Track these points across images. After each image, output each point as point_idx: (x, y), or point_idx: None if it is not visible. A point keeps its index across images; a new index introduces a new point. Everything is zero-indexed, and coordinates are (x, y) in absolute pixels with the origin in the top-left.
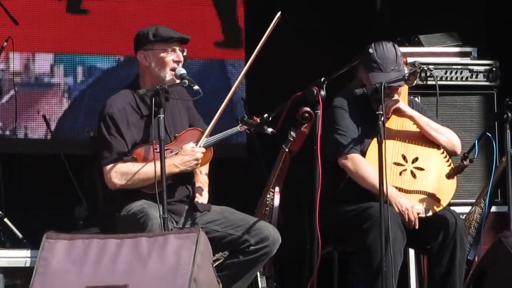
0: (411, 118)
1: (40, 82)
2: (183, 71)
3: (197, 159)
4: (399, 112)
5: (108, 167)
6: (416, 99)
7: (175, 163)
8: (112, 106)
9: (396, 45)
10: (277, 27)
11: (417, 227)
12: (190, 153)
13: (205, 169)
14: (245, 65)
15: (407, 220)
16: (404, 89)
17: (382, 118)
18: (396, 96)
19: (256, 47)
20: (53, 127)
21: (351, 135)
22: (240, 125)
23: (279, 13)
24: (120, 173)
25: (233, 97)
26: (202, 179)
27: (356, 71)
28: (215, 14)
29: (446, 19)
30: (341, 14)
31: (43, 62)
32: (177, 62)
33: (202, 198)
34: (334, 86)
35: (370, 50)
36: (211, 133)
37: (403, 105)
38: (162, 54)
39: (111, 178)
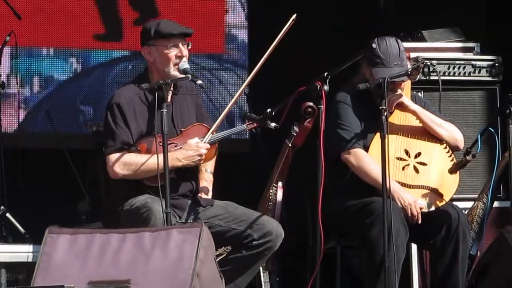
0: (414, 112)
1: None
2: (186, 65)
3: (200, 155)
4: (402, 107)
5: (111, 156)
6: (419, 94)
7: (178, 157)
8: (120, 96)
9: (399, 40)
10: (279, 23)
11: (420, 221)
12: (194, 148)
13: (210, 167)
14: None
15: (409, 215)
16: (407, 84)
17: (385, 113)
18: (399, 91)
19: (268, 48)
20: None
21: (354, 130)
22: (247, 123)
23: (294, 15)
24: (123, 162)
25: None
26: (207, 177)
27: (359, 66)
28: (95, 5)
29: (449, 14)
30: (344, 9)
31: None
32: (180, 57)
33: (206, 196)
34: (336, 81)
35: (374, 45)
36: (217, 130)
37: (406, 99)
38: (165, 51)
39: (113, 167)
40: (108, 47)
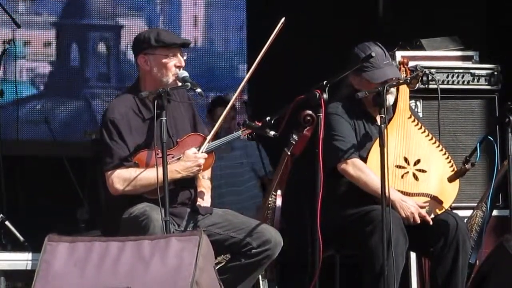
0: None
1: None
2: (185, 74)
3: (199, 165)
4: None
5: (110, 172)
6: (418, 103)
7: (177, 169)
8: (114, 111)
9: (378, 43)
10: (279, 31)
11: (429, 219)
12: (193, 159)
13: (207, 173)
14: (248, 70)
15: (412, 223)
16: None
17: (385, 121)
18: (393, 91)
19: (259, 52)
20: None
21: (349, 140)
22: (242, 130)
23: (283, 19)
24: (122, 178)
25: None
26: (204, 184)
27: (345, 77)
28: None
29: (448, 23)
30: (343, 18)
31: None
32: (179, 67)
33: (205, 202)
34: (336, 89)
35: (361, 54)
36: (213, 138)
37: None
38: (164, 60)
39: (113, 183)
40: None
